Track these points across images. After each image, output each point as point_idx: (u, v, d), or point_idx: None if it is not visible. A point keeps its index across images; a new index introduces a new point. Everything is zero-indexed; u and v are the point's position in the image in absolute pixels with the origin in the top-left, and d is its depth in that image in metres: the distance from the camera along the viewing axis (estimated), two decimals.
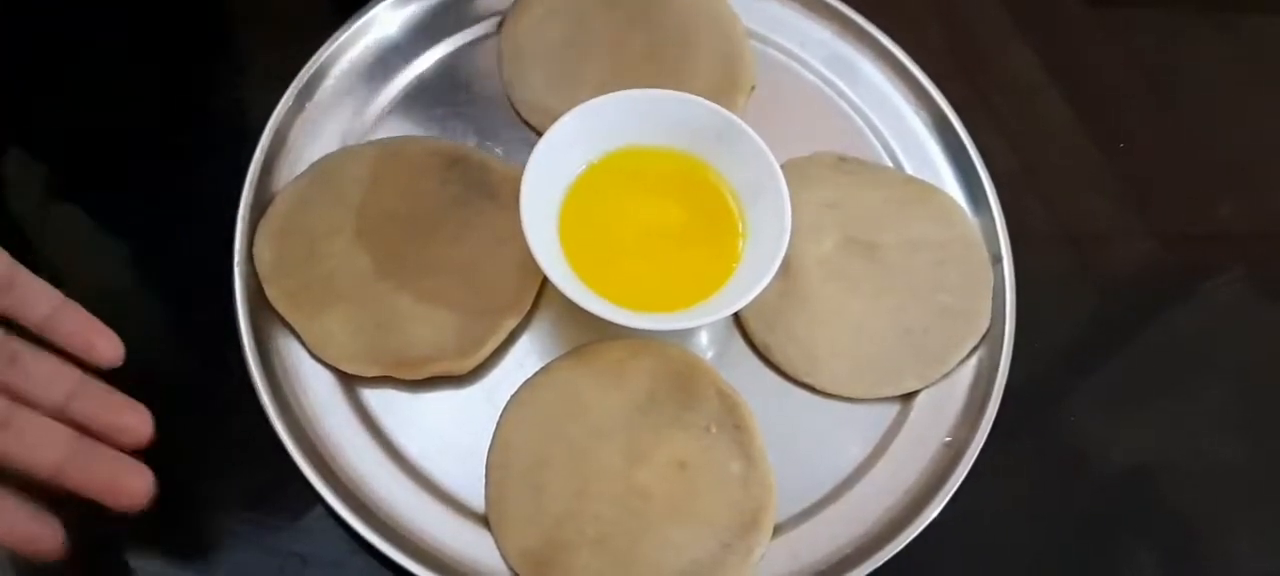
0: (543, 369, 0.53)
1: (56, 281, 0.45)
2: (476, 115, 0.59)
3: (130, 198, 0.56)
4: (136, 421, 0.43)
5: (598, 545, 0.48)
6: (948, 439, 0.53)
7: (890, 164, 0.61)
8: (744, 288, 0.51)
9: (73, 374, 0.43)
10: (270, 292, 0.53)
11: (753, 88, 0.62)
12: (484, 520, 0.50)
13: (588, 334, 0.54)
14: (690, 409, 0.51)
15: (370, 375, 0.52)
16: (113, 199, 0.56)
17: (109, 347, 0.44)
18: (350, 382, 0.52)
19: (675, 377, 0.52)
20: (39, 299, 0.44)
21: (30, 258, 0.44)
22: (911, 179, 0.61)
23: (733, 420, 0.51)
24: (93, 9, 0.60)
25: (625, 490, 0.49)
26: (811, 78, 0.64)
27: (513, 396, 0.52)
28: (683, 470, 0.50)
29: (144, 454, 0.43)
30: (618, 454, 0.50)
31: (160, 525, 0.49)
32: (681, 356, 0.53)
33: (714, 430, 0.51)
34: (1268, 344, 0.62)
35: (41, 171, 0.57)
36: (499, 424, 0.51)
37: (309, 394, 0.52)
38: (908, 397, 0.55)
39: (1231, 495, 0.57)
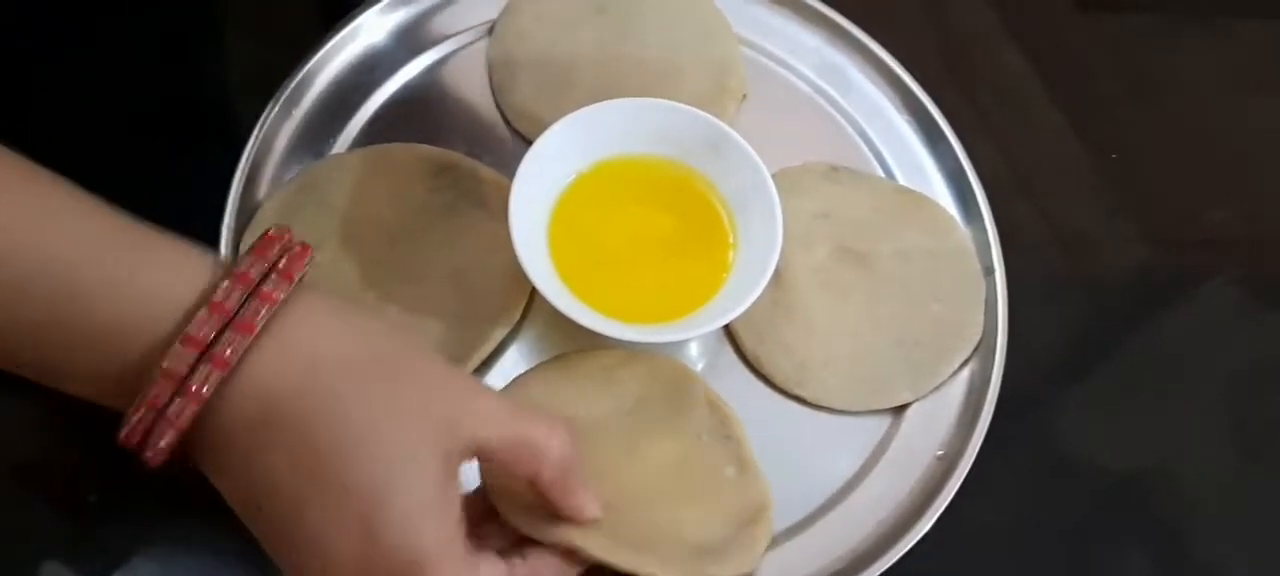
0: (527, 371, 0.52)
1: None
2: (465, 123, 0.59)
3: (117, 201, 0.55)
4: None
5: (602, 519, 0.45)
6: (940, 451, 0.53)
7: (882, 173, 0.61)
8: (735, 298, 0.50)
9: None
10: None
11: (744, 96, 0.61)
12: None
13: (577, 344, 0.53)
14: (680, 415, 0.51)
15: None
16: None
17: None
18: None
19: (665, 385, 0.52)
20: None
21: None
22: (903, 188, 0.60)
23: (723, 431, 0.51)
24: (80, 15, 0.60)
25: (625, 478, 0.48)
26: (803, 86, 0.63)
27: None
28: (679, 467, 0.49)
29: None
30: (612, 449, 0.48)
31: (143, 530, 0.49)
32: (671, 365, 0.52)
33: (705, 438, 0.50)
34: (1261, 349, 0.62)
35: None
36: None
37: None
38: (899, 410, 0.54)
39: (1226, 503, 0.57)
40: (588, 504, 0.42)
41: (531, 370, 0.52)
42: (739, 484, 0.49)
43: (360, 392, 0.38)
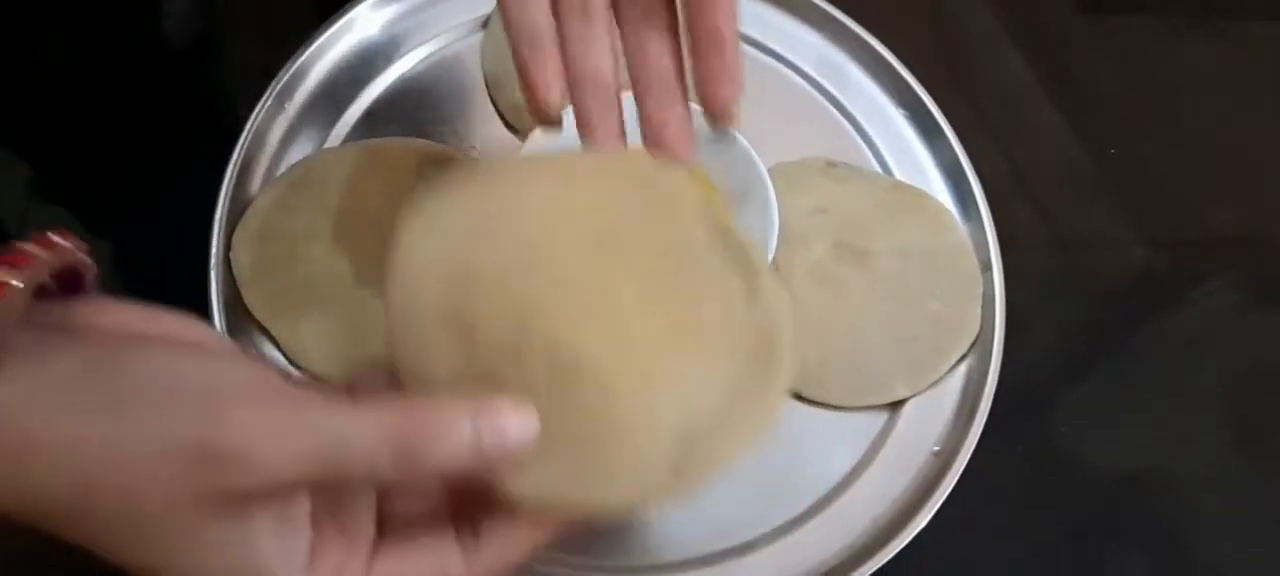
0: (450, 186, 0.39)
1: None
2: (459, 117, 0.58)
3: (111, 198, 0.55)
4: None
5: (556, 390, 0.34)
6: (936, 448, 0.53)
7: (879, 169, 0.61)
8: None
9: None
10: (248, 297, 0.52)
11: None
12: None
13: None
14: (666, 221, 0.38)
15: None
16: (94, 199, 0.55)
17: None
18: None
19: (643, 185, 0.39)
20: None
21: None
22: (901, 184, 0.60)
23: (724, 238, 0.38)
24: (74, 11, 0.60)
25: (584, 321, 0.35)
26: (801, 82, 0.63)
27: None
28: (663, 294, 0.36)
29: None
30: (565, 278, 0.35)
31: None
32: (648, 161, 0.40)
33: (703, 236, 0.37)
34: (1258, 350, 0.62)
35: (25, 171, 0.57)
36: (397, 249, 0.37)
37: None
38: (896, 406, 0.54)
39: (1222, 502, 0.57)
40: (491, 437, 0.32)
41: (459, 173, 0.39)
42: (749, 299, 0.37)
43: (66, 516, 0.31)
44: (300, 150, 0.57)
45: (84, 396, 0.30)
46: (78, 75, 0.59)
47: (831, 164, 0.60)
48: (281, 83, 0.57)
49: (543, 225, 0.36)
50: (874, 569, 0.49)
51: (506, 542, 0.34)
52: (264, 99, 0.56)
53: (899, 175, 0.61)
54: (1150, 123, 0.68)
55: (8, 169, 0.57)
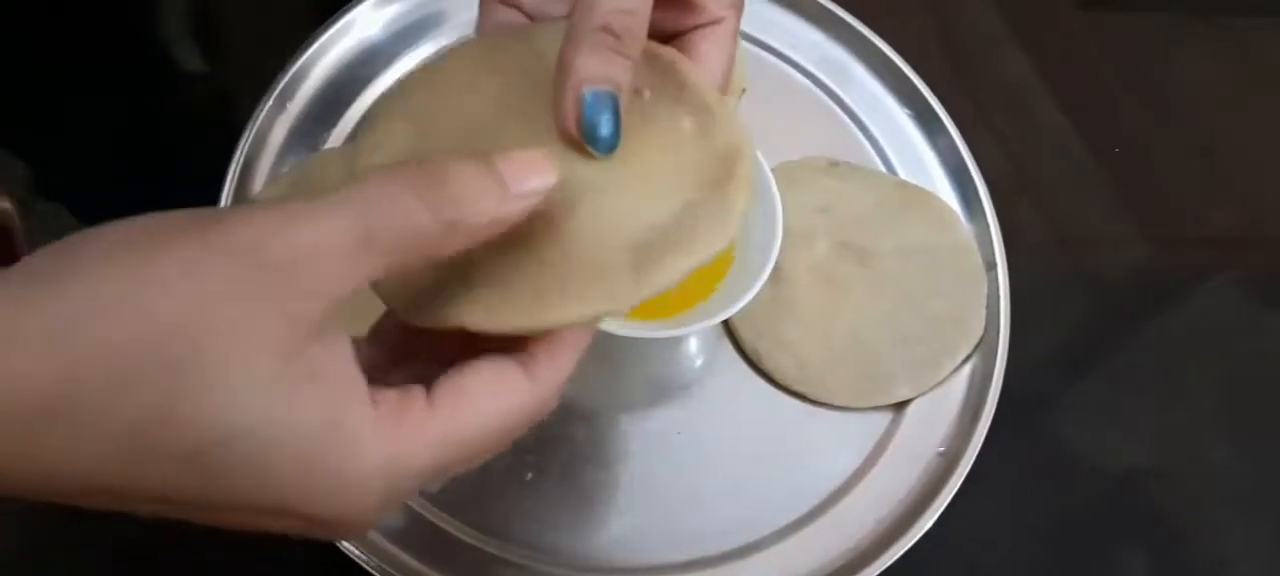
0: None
1: None
2: None
3: (112, 196, 0.55)
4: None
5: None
6: (941, 448, 0.53)
7: (883, 168, 0.61)
8: (734, 294, 0.50)
9: None
10: None
11: (743, 90, 0.61)
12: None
13: None
14: None
15: None
16: (94, 198, 0.55)
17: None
18: None
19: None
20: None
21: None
22: (904, 183, 0.60)
23: (671, 81, 0.37)
24: (75, 8, 0.60)
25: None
26: (803, 80, 0.63)
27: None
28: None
29: None
30: (520, 136, 0.36)
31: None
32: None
33: (648, 94, 0.37)
34: (1262, 349, 0.61)
35: (25, 169, 0.57)
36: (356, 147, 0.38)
37: None
38: (900, 406, 0.54)
39: (1227, 501, 0.56)
40: (517, 182, 0.30)
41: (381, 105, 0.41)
42: (702, 135, 0.36)
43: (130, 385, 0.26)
44: (301, 150, 0.57)
45: (68, 266, 0.26)
46: (78, 75, 0.59)
47: (834, 162, 0.60)
48: (283, 83, 0.57)
49: (474, 110, 0.37)
50: (879, 570, 0.49)
51: (555, 358, 0.33)
52: (265, 99, 0.56)
53: (902, 174, 0.61)
54: (1152, 121, 0.68)
55: (7, 167, 0.57)
